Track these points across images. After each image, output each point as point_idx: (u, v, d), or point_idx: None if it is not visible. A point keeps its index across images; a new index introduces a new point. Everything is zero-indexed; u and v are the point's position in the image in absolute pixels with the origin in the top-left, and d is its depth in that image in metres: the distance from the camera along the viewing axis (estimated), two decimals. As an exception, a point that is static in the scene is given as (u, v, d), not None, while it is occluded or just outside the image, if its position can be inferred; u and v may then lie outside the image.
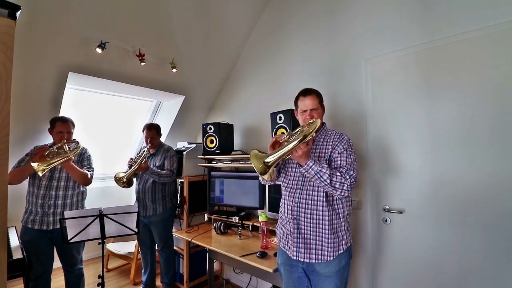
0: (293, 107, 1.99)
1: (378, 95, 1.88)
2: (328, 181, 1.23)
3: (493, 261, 1.45)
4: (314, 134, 1.22)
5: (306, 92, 1.45)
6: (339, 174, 1.26)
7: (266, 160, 1.16)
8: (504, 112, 1.43)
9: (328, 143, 1.41)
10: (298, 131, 1.32)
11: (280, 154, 1.16)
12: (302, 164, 1.26)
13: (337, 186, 1.24)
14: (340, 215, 1.37)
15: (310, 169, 1.24)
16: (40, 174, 1.70)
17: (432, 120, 1.65)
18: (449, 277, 1.58)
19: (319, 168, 1.24)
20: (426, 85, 1.67)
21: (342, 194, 1.26)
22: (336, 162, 1.35)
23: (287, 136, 1.30)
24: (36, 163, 1.72)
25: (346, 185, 1.25)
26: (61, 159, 1.82)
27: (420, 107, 1.69)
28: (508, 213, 1.41)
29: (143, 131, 2.48)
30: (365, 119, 1.93)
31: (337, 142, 1.38)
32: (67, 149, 1.93)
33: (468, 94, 1.53)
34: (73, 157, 1.92)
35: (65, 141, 1.96)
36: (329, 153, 1.38)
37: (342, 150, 1.35)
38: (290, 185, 1.44)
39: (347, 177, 1.27)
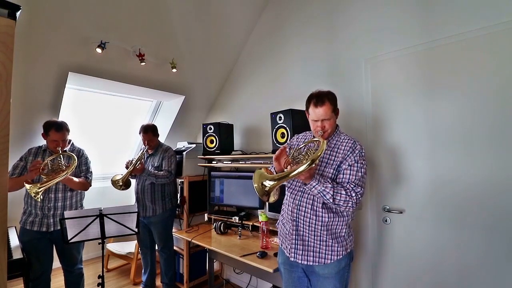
0: (293, 107, 2.01)
1: (378, 95, 1.88)
2: (331, 200, 1.22)
3: (493, 261, 1.45)
4: (318, 161, 1.18)
5: (318, 101, 1.33)
6: (343, 192, 1.23)
7: (264, 183, 1.12)
8: (504, 112, 1.43)
9: (339, 150, 1.34)
10: (303, 147, 1.31)
11: (282, 180, 1.12)
12: (306, 183, 1.24)
13: (341, 203, 1.23)
14: (343, 222, 1.34)
15: (313, 188, 1.23)
16: (34, 197, 1.67)
17: (432, 120, 1.65)
18: (449, 277, 1.58)
19: (322, 188, 1.21)
20: (426, 85, 1.67)
21: (347, 210, 1.26)
22: (344, 176, 1.29)
23: (295, 152, 1.27)
24: (30, 185, 1.67)
25: (351, 202, 1.22)
26: (57, 179, 1.77)
27: (420, 107, 1.69)
28: (508, 213, 1.41)
29: (139, 133, 2.47)
30: (365, 119, 1.93)
31: (349, 153, 1.31)
32: (63, 163, 1.88)
33: (468, 94, 1.53)
34: (69, 175, 1.87)
35: (60, 149, 1.92)
36: (338, 163, 1.32)
37: (353, 162, 1.29)
38: (293, 187, 1.42)
39: (353, 194, 1.23)
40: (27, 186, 1.68)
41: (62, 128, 1.96)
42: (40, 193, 1.70)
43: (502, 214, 1.43)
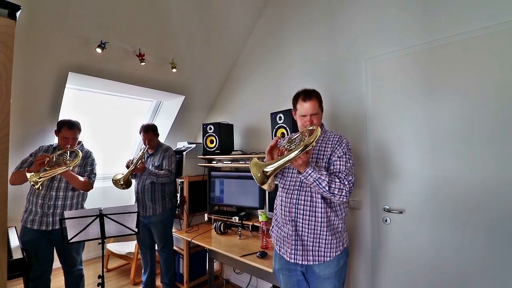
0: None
1: (378, 95, 1.88)
2: (327, 188, 1.22)
3: (494, 261, 1.45)
4: (315, 143, 1.18)
5: (306, 96, 1.39)
6: (337, 181, 1.24)
7: (265, 170, 1.13)
8: (504, 112, 1.42)
9: (327, 145, 1.39)
10: (297, 137, 1.30)
11: (279, 164, 1.13)
12: (301, 171, 1.24)
13: (335, 192, 1.24)
14: (339, 216, 1.37)
15: (309, 176, 1.23)
16: (34, 186, 1.69)
17: (432, 120, 1.65)
18: (449, 277, 1.58)
19: (318, 176, 1.22)
20: (426, 85, 1.67)
21: (341, 200, 1.26)
22: (335, 167, 1.33)
23: (286, 144, 1.28)
24: (30, 173, 1.70)
25: (344, 191, 1.24)
26: (57, 170, 1.79)
27: (420, 107, 1.69)
28: (509, 214, 1.41)
29: (140, 133, 2.48)
30: (365, 119, 1.93)
31: (336, 145, 1.37)
32: (68, 158, 1.92)
33: (468, 94, 1.53)
34: (71, 168, 1.90)
35: (68, 146, 1.96)
36: (328, 155, 1.37)
37: (342, 154, 1.34)
38: (288, 186, 1.42)
39: (346, 183, 1.26)
40: (28, 174, 1.69)
41: (74, 126, 2.03)
42: (40, 183, 1.71)
43: (503, 214, 1.42)
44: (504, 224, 1.42)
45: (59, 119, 2.06)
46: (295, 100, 1.45)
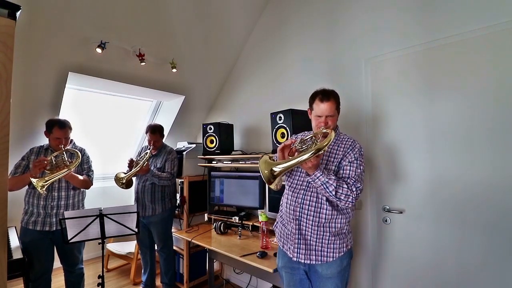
0: (293, 107, 2.01)
1: (378, 95, 1.88)
2: (334, 192, 1.22)
3: (493, 261, 1.45)
4: (327, 148, 1.17)
5: (324, 97, 1.35)
6: (345, 186, 1.24)
7: (273, 169, 1.14)
8: (504, 112, 1.43)
9: (339, 148, 1.37)
10: (310, 138, 1.29)
11: (288, 165, 1.13)
12: (310, 174, 1.23)
13: (342, 198, 1.23)
14: (345, 219, 1.36)
15: (317, 179, 1.22)
16: (40, 191, 1.69)
17: (432, 120, 1.65)
18: (449, 277, 1.58)
19: (326, 180, 1.22)
20: (426, 85, 1.67)
21: (346, 205, 1.26)
22: (345, 171, 1.31)
23: (299, 144, 1.27)
24: (36, 179, 1.71)
25: (351, 197, 1.23)
26: (61, 173, 1.79)
27: (420, 107, 1.69)
28: (508, 213, 1.41)
29: (146, 132, 2.47)
30: (365, 119, 1.93)
31: (349, 150, 1.35)
32: (66, 159, 1.90)
33: (468, 94, 1.53)
34: (72, 170, 1.89)
35: (62, 146, 1.93)
36: (339, 159, 1.35)
37: (353, 159, 1.32)
38: (294, 185, 1.42)
39: (354, 189, 1.25)
40: (34, 180, 1.69)
41: (65, 125, 1.99)
42: (46, 186, 1.71)
43: (503, 214, 1.43)
44: (504, 224, 1.42)
45: (49, 119, 2.02)
46: (312, 99, 1.41)
